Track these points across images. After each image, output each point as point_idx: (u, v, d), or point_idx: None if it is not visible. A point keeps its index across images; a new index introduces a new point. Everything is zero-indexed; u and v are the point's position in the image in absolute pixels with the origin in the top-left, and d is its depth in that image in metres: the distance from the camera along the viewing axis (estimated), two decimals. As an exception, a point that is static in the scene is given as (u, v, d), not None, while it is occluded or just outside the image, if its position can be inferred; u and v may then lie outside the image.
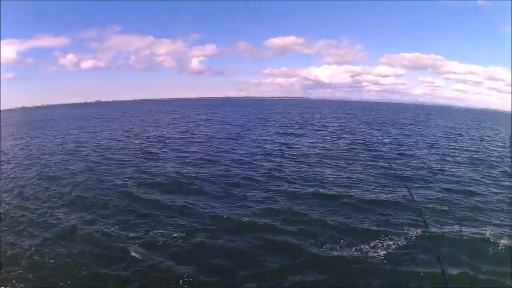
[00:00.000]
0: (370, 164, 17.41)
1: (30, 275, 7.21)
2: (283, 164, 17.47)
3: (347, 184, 13.79)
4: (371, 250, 8.12)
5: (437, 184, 13.92)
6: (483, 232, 9.05)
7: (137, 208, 11.15)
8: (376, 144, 24.83)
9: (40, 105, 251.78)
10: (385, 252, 7.95)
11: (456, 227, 9.32)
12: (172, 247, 8.43)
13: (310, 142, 25.12)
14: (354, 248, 8.21)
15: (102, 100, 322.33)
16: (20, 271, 7.38)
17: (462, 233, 8.94)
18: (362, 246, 8.26)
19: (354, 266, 7.50)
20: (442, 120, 61.64)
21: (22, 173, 16.79)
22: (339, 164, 17.52)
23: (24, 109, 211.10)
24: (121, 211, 11.00)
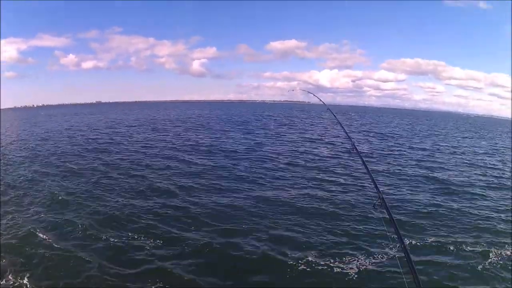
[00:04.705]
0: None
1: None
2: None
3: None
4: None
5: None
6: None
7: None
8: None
9: (41, 104, 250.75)
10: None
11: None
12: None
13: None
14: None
15: (103, 101, 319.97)
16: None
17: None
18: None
19: None
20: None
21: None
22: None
23: (28, 108, 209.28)
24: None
